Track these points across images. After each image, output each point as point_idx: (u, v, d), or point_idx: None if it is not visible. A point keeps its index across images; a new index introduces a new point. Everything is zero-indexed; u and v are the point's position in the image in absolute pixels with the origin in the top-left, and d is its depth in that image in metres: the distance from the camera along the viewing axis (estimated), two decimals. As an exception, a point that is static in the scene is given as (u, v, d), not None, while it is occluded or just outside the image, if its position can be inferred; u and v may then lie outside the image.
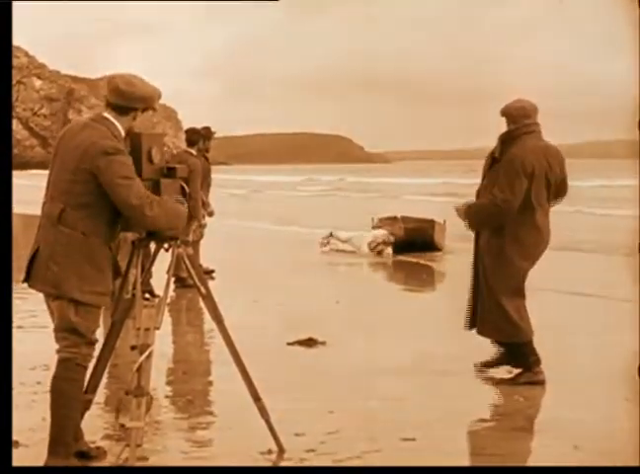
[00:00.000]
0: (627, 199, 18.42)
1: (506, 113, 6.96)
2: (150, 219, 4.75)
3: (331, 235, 17.39)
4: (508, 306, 6.89)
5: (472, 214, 6.99)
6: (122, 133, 4.82)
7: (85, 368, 4.86)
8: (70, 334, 4.76)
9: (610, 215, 24.79)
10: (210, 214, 12.61)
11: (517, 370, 7.06)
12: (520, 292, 6.97)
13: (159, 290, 9.02)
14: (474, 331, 7.23)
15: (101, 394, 5.34)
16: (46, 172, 4.97)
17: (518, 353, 7.01)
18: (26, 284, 4.89)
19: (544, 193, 6.92)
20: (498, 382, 7.02)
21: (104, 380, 5.25)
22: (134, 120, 4.88)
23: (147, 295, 6.06)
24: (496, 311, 6.93)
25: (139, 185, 4.71)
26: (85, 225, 4.72)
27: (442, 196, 37.33)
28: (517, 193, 6.77)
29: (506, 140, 6.92)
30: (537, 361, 6.97)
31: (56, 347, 4.84)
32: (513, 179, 6.77)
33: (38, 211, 4.96)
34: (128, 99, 4.80)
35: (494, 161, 6.97)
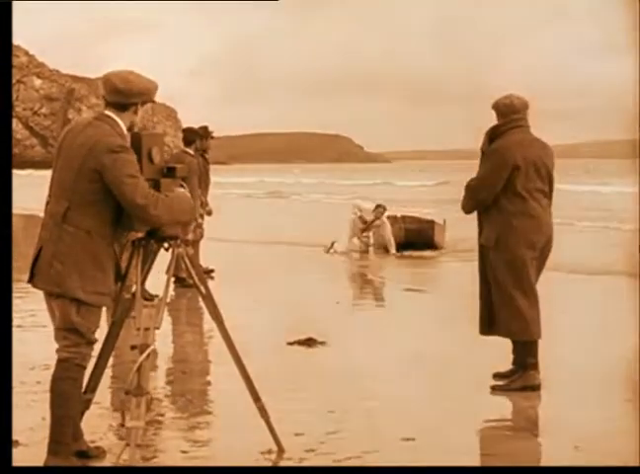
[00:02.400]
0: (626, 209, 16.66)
1: (495, 108, 7.02)
2: (155, 218, 4.75)
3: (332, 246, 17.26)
4: (519, 301, 6.82)
5: (465, 194, 7.15)
6: (125, 130, 4.83)
7: (84, 368, 4.86)
8: (70, 333, 4.76)
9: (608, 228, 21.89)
10: (209, 213, 12.61)
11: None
12: (529, 287, 6.88)
13: (159, 290, 9.03)
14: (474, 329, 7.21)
15: (100, 394, 5.33)
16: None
17: (519, 350, 6.96)
18: (26, 284, 4.89)
19: (537, 183, 6.89)
20: (492, 388, 6.94)
21: (104, 380, 5.24)
22: (136, 115, 4.88)
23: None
24: (507, 306, 6.86)
25: (144, 183, 4.72)
26: (89, 224, 4.71)
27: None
28: (485, 180, 6.88)
29: (492, 135, 6.98)
30: (535, 365, 6.88)
31: (56, 346, 4.84)
32: (488, 168, 6.88)
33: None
34: (127, 95, 4.80)
35: (482, 156, 7.02)
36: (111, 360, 5.35)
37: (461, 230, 11.80)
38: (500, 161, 6.82)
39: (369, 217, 17.15)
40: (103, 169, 4.66)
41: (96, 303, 4.79)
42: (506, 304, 6.86)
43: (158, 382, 7.00)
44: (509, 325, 6.88)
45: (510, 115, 6.93)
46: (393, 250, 17.08)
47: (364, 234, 17.10)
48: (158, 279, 5.16)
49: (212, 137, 12.75)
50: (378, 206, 17.40)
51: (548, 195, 7.01)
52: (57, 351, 4.82)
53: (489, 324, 7.04)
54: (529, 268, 6.87)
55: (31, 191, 18.56)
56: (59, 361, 4.81)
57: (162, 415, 6.12)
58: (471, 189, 7.03)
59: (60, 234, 4.71)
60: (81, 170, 4.71)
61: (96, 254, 4.74)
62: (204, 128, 12.56)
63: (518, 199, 6.83)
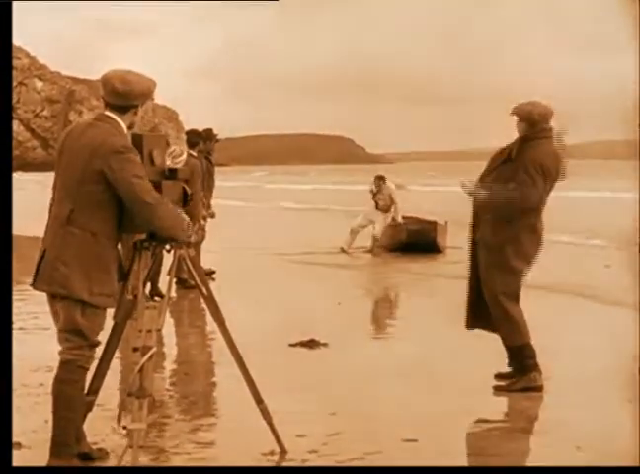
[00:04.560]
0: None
1: (524, 115, 6.88)
2: (160, 220, 4.78)
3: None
4: (508, 306, 6.84)
5: (485, 202, 6.90)
6: (126, 130, 4.83)
7: (87, 370, 4.86)
8: (74, 335, 4.76)
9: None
10: (212, 216, 12.60)
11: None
12: (516, 296, 6.90)
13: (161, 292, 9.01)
14: (473, 330, 7.20)
15: (103, 396, 5.33)
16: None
17: (515, 355, 6.95)
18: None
19: (548, 197, 6.92)
20: (495, 389, 6.93)
21: (106, 382, 5.25)
22: (136, 116, 4.88)
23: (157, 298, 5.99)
24: (497, 310, 6.86)
25: (150, 184, 4.73)
26: (94, 225, 4.71)
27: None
28: (540, 189, 6.76)
29: (525, 141, 6.86)
30: (535, 366, 6.87)
31: (59, 348, 4.85)
32: (536, 177, 6.73)
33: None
34: (127, 98, 4.79)
35: (507, 159, 6.94)
36: (113, 362, 5.34)
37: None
38: (543, 173, 6.74)
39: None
40: (109, 170, 4.66)
41: (101, 305, 4.79)
42: (499, 310, 6.87)
43: (161, 384, 7.00)
44: (503, 330, 6.89)
45: (542, 124, 6.84)
46: (399, 219, 17.53)
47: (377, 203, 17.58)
48: (160, 281, 5.17)
49: (217, 140, 12.77)
50: (377, 177, 17.97)
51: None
52: (60, 353, 4.82)
53: (474, 318, 7.07)
54: (521, 278, 6.89)
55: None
56: (62, 364, 4.81)
57: (165, 416, 6.13)
58: (515, 202, 6.74)
59: (65, 236, 4.71)
60: (85, 171, 4.70)
61: (101, 255, 4.75)
62: (209, 131, 12.57)
63: (532, 213, 6.83)
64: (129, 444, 4.71)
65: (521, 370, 6.89)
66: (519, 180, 6.75)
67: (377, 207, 17.70)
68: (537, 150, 6.81)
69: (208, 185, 12.34)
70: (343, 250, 17.39)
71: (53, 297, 4.81)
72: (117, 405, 6.18)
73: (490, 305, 6.92)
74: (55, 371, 4.85)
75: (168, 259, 5.15)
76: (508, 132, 7.08)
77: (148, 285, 9.91)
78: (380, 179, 17.83)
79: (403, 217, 18.04)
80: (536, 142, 6.84)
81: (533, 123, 6.86)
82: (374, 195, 17.73)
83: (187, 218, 4.98)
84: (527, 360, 6.87)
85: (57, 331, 4.85)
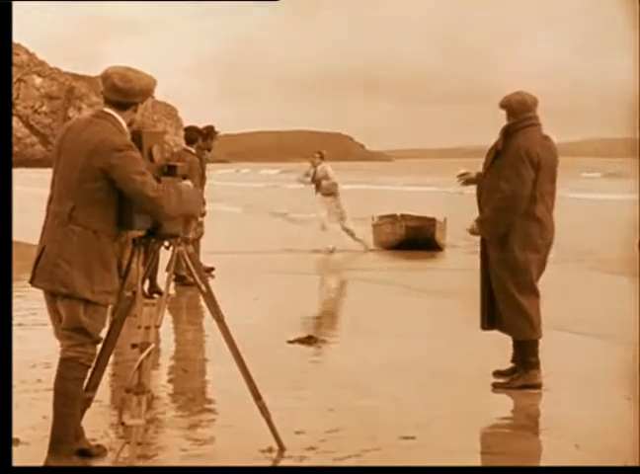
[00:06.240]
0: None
1: (506, 105, 6.90)
2: (167, 209, 4.78)
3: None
4: (521, 299, 6.79)
5: (488, 222, 6.87)
6: (126, 128, 4.83)
7: (89, 367, 4.85)
8: (77, 333, 4.74)
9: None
10: (202, 214, 12.55)
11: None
12: (532, 288, 6.86)
13: (160, 288, 9.01)
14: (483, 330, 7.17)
15: (101, 392, 5.33)
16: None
17: (521, 349, 6.94)
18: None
19: (549, 186, 6.88)
20: (494, 386, 6.93)
21: (104, 378, 5.25)
22: (136, 113, 4.88)
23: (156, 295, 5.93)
24: (511, 306, 6.82)
25: (152, 178, 4.73)
26: (96, 223, 4.71)
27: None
28: (525, 181, 6.72)
29: (508, 133, 6.86)
30: (536, 364, 6.85)
31: (57, 344, 4.84)
32: (519, 168, 6.72)
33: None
34: (127, 95, 4.79)
35: (497, 154, 6.93)
36: (111, 359, 5.35)
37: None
38: (527, 160, 6.72)
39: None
40: (110, 168, 4.66)
41: (103, 302, 4.79)
42: (510, 304, 6.83)
43: (159, 380, 7.00)
44: (514, 324, 6.85)
45: (524, 113, 6.84)
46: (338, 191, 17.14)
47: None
48: (158, 277, 5.16)
49: (217, 138, 12.73)
50: (318, 152, 17.41)
51: (553, 194, 6.97)
52: (62, 350, 4.80)
53: (489, 319, 7.04)
54: (532, 270, 6.85)
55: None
56: (63, 360, 4.78)
57: (163, 413, 6.13)
58: (509, 201, 6.72)
59: (66, 234, 4.70)
60: (86, 169, 4.69)
61: (102, 253, 4.74)
62: (210, 128, 12.55)
63: (530, 203, 6.77)
64: (127, 440, 4.71)
65: (523, 366, 6.88)
66: (504, 178, 6.76)
67: (320, 191, 17.03)
68: (521, 138, 6.80)
69: (202, 180, 12.32)
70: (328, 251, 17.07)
71: (52, 295, 4.80)
72: (117, 402, 6.19)
73: (501, 300, 6.88)
74: (55, 368, 4.84)
75: (166, 255, 5.14)
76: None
77: (147, 282, 10.00)
78: (320, 155, 17.19)
79: (402, 215, 18.01)
80: (520, 132, 6.84)
81: (513, 112, 6.87)
82: (313, 174, 17.00)
83: (194, 196, 5.00)
84: (530, 358, 6.85)
85: (58, 328, 4.83)
